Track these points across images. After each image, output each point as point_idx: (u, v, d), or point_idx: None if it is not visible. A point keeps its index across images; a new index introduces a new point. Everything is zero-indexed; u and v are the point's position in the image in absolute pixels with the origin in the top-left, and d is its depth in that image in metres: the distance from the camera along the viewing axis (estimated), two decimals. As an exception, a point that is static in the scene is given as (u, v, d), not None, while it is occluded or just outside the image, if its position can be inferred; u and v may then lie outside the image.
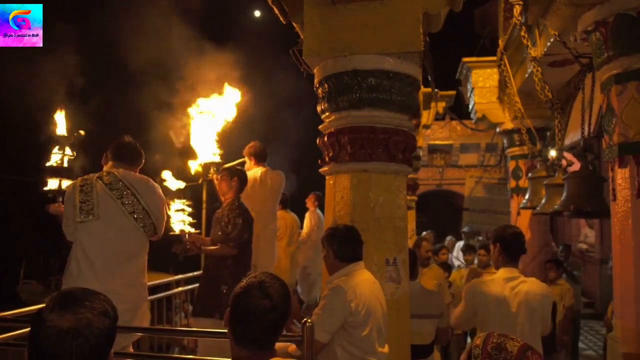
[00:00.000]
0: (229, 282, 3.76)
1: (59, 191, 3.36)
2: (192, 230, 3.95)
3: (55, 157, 3.56)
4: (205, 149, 4.62)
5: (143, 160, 3.24)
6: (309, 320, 2.25)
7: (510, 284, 2.89)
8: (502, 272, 2.96)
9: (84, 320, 1.18)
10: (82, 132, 3.59)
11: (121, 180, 2.95)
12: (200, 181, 4.71)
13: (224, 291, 3.76)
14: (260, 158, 4.86)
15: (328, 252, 2.65)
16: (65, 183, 3.38)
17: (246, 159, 4.90)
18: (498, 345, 1.47)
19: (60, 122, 3.58)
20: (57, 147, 3.55)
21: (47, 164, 3.57)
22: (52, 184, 3.45)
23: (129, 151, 3.14)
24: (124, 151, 3.13)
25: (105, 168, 3.15)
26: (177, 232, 3.82)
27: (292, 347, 2.49)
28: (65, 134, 3.58)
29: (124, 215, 2.91)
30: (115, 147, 3.15)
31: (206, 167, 4.55)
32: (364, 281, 2.56)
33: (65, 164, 3.54)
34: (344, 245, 2.62)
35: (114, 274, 2.86)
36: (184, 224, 3.90)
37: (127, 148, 3.15)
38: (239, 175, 4.13)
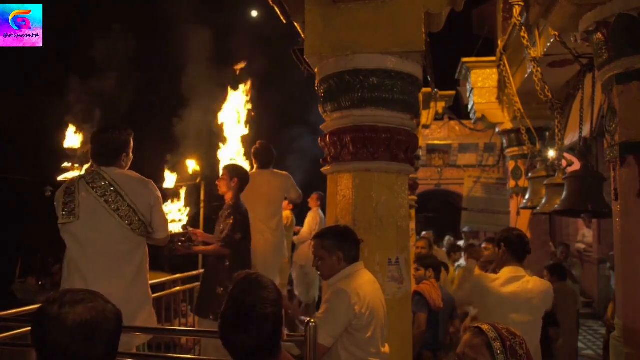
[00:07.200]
0: (225, 284, 3.68)
1: None
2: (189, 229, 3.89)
3: (67, 173, 3.51)
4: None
5: (126, 154, 2.93)
6: (312, 320, 2.23)
7: (514, 283, 2.91)
8: (507, 271, 2.97)
9: (98, 308, 1.24)
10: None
11: (104, 177, 2.79)
12: (198, 180, 4.68)
13: (219, 293, 3.70)
14: (263, 162, 4.74)
15: (324, 255, 2.59)
16: None
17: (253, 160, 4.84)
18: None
19: (70, 135, 3.52)
20: (68, 161, 3.50)
21: (59, 179, 3.49)
22: None
23: (106, 149, 2.88)
24: (101, 150, 2.89)
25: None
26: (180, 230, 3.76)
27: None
28: (77, 146, 3.53)
29: (107, 214, 2.75)
30: (93, 145, 2.92)
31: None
32: (366, 282, 2.52)
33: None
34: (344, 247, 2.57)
35: (103, 275, 2.70)
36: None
37: (102, 145, 2.89)
38: (240, 176, 4.05)
